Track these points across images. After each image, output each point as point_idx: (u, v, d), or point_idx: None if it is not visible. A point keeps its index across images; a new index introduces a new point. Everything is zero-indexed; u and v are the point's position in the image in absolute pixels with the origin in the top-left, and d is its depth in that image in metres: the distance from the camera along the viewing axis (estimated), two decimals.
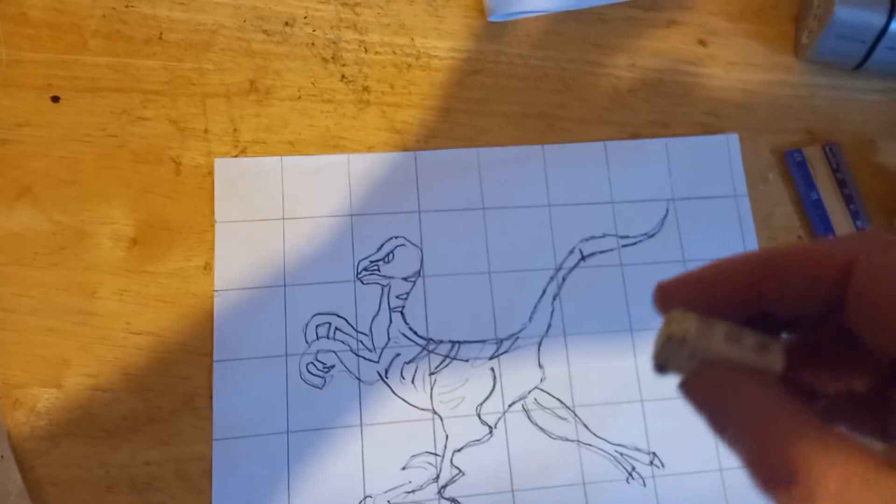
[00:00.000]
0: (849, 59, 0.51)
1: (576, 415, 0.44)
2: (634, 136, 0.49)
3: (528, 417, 0.44)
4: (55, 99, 0.45)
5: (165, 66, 0.47)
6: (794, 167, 0.50)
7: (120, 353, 0.42)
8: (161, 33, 0.47)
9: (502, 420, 0.44)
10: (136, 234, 0.44)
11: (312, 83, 0.48)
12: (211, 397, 0.42)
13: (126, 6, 0.47)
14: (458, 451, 0.43)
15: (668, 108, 0.51)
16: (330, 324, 0.44)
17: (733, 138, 0.50)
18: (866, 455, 0.17)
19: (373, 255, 0.45)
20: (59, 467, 0.40)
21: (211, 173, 0.45)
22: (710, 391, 0.20)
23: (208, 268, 0.44)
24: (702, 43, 0.52)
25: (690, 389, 0.21)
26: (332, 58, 0.49)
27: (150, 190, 0.45)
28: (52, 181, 0.44)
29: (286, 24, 0.48)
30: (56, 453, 0.41)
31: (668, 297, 0.22)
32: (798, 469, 0.17)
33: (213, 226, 0.44)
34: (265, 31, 0.48)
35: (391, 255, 0.45)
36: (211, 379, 0.42)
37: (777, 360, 0.20)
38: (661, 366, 0.22)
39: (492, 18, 0.50)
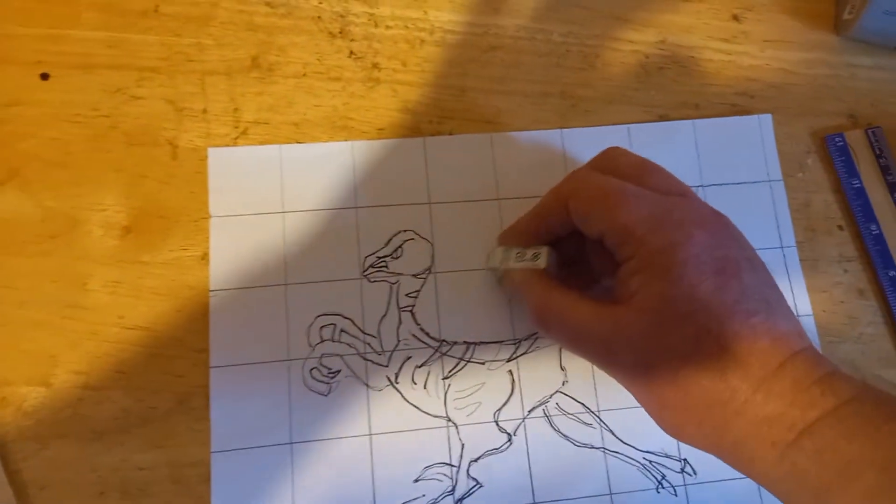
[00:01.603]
0: (895, 37, 0.47)
1: (601, 420, 0.42)
2: (663, 118, 0.46)
3: (550, 423, 0.41)
4: (44, 76, 0.43)
5: (162, 42, 0.44)
6: (834, 152, 0.47)
7: (111, 348, 0.39)
8: (157, 6, 0.44)
9: (522, 427, 0.41)
10: (129, 222, 0.41)
11: (319, 59, 0.45)
12: (208, 397, 0.39)
13: None
14: (475, 460, 0.40)
15: (698, 88, 0.47)
16: (335, 325, 0.41)
17: (766, 119, 0.47)
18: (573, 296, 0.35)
19: (380, 250, 0.42)
20: (47, 470, 0.38)
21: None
22: (507, 283, 0.40)
23: (206, 258, 0.41)
24: (736, 18, 0.49)
25: (502, 285, 0.41)
26: (340, 32, 0.45)
27: (145, 174, 0.42)
28: (41, 164, 0.41)
29: None
30: (44, 456, 0.38)
31: (501, 240, 0.41)
32: (545, 314, 0.36)
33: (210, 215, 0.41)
34: (268, 4, 0.45)
35: (400, 250, 0.42)
36: (208, 377, 0.39)
37: (542, 261, 0.37)
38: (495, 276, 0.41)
39: None
